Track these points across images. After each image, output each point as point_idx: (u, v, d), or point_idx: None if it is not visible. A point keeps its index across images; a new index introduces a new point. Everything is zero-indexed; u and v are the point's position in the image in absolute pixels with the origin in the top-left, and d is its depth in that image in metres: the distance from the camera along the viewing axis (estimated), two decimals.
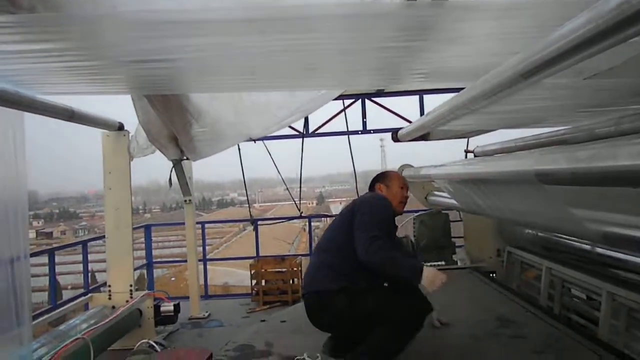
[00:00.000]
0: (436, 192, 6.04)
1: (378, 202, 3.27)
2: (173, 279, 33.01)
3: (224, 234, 53.30)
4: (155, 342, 3.69)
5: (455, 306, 4.34)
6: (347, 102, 7.00)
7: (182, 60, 3.37)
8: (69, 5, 2.46)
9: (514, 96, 2.75)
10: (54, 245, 6.50)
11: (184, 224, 6.60)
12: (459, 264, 6.53)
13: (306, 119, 6.99)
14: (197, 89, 4.68)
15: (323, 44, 3.12)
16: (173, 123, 4.95)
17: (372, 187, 3.56)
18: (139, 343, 3.72)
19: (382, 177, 3.54)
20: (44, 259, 5.46)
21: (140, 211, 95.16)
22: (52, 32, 2.73)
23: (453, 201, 4.60)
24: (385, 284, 3.23)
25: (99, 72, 3.58)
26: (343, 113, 7.10)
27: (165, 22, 2.63)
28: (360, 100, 7.00)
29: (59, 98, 4.19)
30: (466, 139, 6.77)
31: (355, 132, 7.15)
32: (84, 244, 5.93)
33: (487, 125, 4.58)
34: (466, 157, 6.78)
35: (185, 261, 6.62)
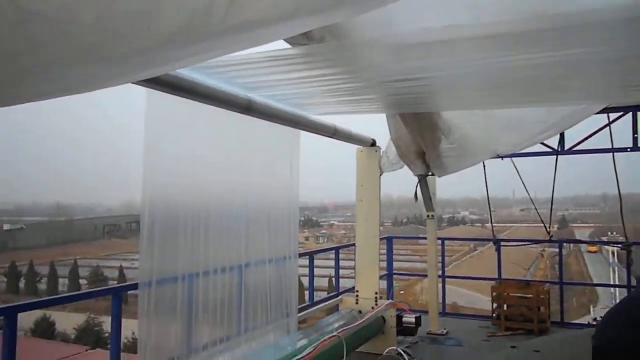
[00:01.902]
0: None
1: None
2: (402, 292, 33.71)
3: (454, 253, 52.38)
4: (403, 350, 3.79)
5: None
6: (613, 115, 6.19)
7: (434, 79, 3.47)
8: (353, 31, 2.72)
9: None
10: (300, 250, 7.25)
11: (423, 237, 6.69)
12: None
13: (561, 135, 6.42)
14: (448, 106, 4.73)
15: (592, 53, 2.85)
16: (423, 139, 5.09)
17: None
18: (388, 349, 3.88)
19: None
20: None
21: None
22: (327, 60, 3.09)
23: None
24: None
25: (358, 92, 3.91)
26: (605, 128, 6.32)
27: (420, 43, 2.75)
28: (630, 113, 6.12)
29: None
30: None
31: (623, 150, 6.25)
32: (337, 250, 6.49)
33: None
34: None
35: (423, 275, 6.69)
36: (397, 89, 3.72)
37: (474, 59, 2.99)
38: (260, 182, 3.93)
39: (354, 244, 6.19)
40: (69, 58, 0.99)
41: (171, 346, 2.98)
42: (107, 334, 33.65)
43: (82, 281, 48.81)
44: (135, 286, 2.87)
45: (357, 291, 5.69)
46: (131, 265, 57.67)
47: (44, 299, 3.74)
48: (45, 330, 31.67)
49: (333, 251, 6.76)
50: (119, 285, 3.72)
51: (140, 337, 2.75)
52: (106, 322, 34.97)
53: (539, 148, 6.52)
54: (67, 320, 32.20)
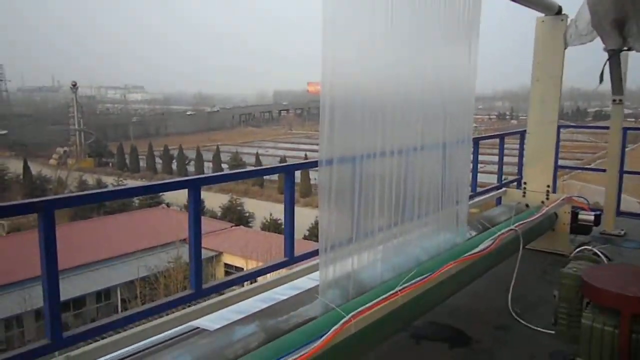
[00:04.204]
0: None
1: None
2: None
3: (598, 150, 47.79)
4: (600, 251, 3.29)
5: None
6: None
7: None
8: None
9: None
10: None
11: (602, 127, 5.78)
12: None
13: None
14: None
15: None
16: (633, 1, 4.09)
17: None
18: (580, 248, 3.40)
19: None
20: None
21: (507, 117, 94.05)
22: None
23: None
24: None
25: None
26: None
27: None
28: None
29: None
30: None
31: None
32: (501, 137, 5.83)
33: None
34: None
35: (600, 170, 5.87)
36: None
37: None
38: (437, 58, 3.40)
39: (521, 131, 5.55)
40: None
41: (348, 225, 2.81)
42: (247, 214, 36.84)
43: (223, 165, 53.07)
44: (315, 164, 2.67)
45: (525, 183, 5.15)
46: (265, 152, 61.46)
47: (225, 173, 3.75)
48: None
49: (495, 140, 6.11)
50: (293, 163, 3.59)
51: (321, 213, 2.59)
52: (246, 203, 38.25)
53: None
54: (213, 200, 35.52)
